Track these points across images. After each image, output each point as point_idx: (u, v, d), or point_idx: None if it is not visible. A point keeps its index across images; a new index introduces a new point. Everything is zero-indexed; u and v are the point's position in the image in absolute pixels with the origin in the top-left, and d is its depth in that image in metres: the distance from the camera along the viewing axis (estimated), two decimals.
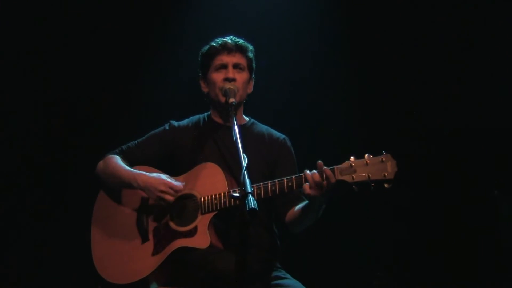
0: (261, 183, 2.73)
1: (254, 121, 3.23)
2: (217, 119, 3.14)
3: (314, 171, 2.61)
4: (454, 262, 4.22)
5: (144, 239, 2.90)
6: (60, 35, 4.30)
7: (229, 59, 3.04)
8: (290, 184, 2.69)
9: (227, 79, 2.99)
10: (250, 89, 3.14)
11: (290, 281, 2.87)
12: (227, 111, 2.87)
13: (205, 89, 3.14)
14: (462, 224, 4.24)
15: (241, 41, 3.10)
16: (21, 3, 4.22)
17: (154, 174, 2.91)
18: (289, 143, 3.15)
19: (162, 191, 2.82)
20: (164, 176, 2.89)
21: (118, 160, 3.05)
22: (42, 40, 4.27)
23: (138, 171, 2.94)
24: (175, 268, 2.81)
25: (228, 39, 3.08)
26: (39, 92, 4.32)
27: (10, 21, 4.21)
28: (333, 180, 2.58)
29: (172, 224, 2.86)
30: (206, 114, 3.22)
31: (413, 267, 4.28)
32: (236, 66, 3.04)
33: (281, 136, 3.16)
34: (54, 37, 4.29)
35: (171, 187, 2.83)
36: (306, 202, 2.79)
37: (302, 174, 2.64)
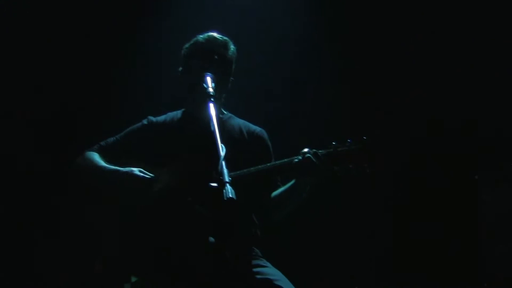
0: (252, 167, 2.79)
1: (232, 115, 3.24)
2: (195, 112, 3.13)
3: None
4: (433, 247, 4.28)
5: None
6: (42, 33, 4.33)
7: (209, 48, 3.06)
8: (279, 168, 2.79)
9: (205, 64, 2.98)
10: (228, 84, 3.14)
11: (270, 269, 2.89)
12: (205, 98, 2.75)
13: (184, 83, 3.14)
14: (442, 208, 4.29)
15: (221, 36, 3.13)
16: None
17: (127, 169, 2.90)
18: (266, 135, 3.19)
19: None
20: (136, 170, 2.89)
21: (96, 157, 3.04)
22: (29, 39, 4.30)
23: (115, 167, 2.94)
24: (153, 258, 2.77)
25: (210, 33, 3.13)
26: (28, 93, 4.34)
27: None
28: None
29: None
30: (183, 109, 3.23)
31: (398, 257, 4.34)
32: (215, 55, 3.04)
33: (258, 128, 3.19)
34: (37, 37, 4.32)
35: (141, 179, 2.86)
36: (285, 187, 2.90)
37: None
